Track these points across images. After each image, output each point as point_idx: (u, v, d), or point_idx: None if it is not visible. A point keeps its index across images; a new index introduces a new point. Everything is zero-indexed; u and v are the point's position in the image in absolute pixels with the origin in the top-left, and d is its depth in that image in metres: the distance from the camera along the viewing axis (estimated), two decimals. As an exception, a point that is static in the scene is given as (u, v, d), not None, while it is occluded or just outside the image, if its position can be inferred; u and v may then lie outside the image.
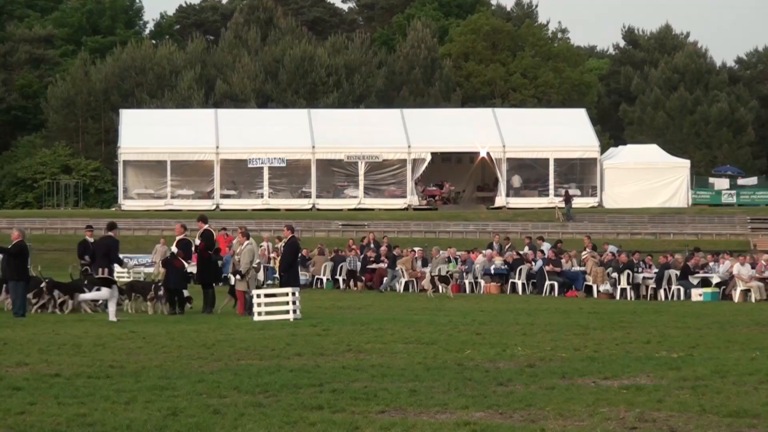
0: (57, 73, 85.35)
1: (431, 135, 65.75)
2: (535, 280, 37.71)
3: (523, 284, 37.73)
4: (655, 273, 36.11)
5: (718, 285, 35.08)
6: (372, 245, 41.41)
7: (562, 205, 60.66)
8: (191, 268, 27.89)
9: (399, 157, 65.53)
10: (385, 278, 38.55)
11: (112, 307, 23.75)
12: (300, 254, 31.46)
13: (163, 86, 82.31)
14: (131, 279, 33.32)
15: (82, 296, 25.53)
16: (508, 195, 65.55)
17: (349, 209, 64.00)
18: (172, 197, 64.68)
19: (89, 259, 27.54)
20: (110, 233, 25.03)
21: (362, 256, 40.33)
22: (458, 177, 69.61)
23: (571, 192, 63.12)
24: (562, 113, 71.29)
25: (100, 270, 24.22)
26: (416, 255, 40.02)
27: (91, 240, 28.98)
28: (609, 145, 76.78)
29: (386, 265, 38.86)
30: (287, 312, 23.50)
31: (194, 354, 16.31)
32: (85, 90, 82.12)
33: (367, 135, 65.72)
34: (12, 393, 12.32)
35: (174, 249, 26.47)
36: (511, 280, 38.29)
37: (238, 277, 26.40)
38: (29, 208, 71.57)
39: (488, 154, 65.20)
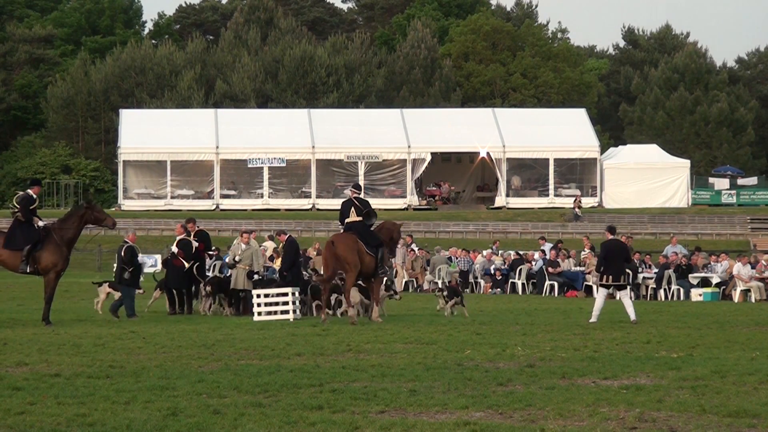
0: (57, 73, 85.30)
1: (431, 135, 65.73)
2: (535, 280, 37.71)
3: (523, 284, 37.74)
4: (655, 273, 36.11)
5: (718, 285, 35.08)
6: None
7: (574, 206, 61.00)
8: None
9: (399, 157, 65.51)
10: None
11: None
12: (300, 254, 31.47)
13: (163, 86, 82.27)
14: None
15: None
16: (508, 195, 65.54)
17: (349, 209, 63.85)
18: (172, 197, 64.66)
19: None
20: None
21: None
22: (458, 177, 69.59)
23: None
24: (562, 113, 71.27)
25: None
26: (416, 255, 39.97)
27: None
28: (609, 145, 76.77)
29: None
30: (287, 312, 23.54)
31: (194, 354, 16.29)
32: (85, 90, 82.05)
33: (367, 135, 65.70)
34: (12, 393, 12.31)
35: (174, 249, 26.52)
36: (511, 280, 38.29)
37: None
38: (29, 208, 71.42)
39: (488, 154, 65.17)
